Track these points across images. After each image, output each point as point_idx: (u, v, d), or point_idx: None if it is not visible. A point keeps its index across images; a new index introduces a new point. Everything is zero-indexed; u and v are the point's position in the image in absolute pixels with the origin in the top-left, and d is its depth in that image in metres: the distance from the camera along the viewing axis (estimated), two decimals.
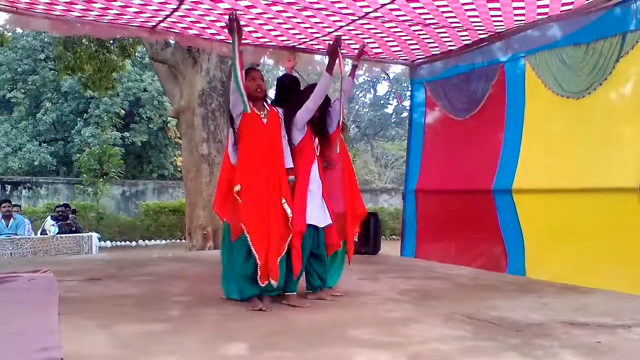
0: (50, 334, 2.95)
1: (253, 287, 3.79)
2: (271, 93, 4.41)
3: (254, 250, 3.67)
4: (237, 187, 3.77)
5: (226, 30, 4.20)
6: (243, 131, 3.90)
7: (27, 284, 4.58)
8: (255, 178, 3.81)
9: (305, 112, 4.05)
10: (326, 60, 6.69)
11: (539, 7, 4.89)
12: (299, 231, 3.83)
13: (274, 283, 3.69)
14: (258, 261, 3.67)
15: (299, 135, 4.10)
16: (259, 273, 3.67)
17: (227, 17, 3.94)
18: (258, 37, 5.82)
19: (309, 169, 4.06)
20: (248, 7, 4.89)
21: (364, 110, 33.84)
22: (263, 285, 3.71)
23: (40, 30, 8.52)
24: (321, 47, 6.15)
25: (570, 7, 4.89)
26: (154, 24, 5.42)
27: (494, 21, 5.28)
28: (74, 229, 10.05)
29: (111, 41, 10.64)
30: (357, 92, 31.95)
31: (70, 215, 10.26)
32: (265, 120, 3.94)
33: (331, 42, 4.27)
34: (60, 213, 10.09)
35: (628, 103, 4.73)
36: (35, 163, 18.77)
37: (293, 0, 4.73)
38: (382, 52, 6.34)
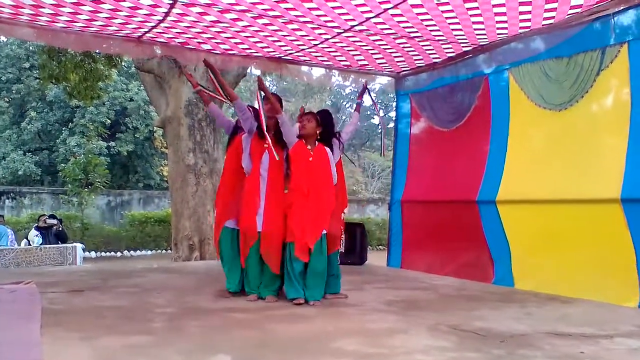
0: (32, 346, 2.92)
1: None
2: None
3: None
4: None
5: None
6: None
7: (9, 296, 4.52)
8: None
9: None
10: (313, 70, 6.83)
11: (521, 20, 4.96)
12: None
13: None
14: None
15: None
16: None
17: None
18: (244, 49, 5.83)
19: None
20: (234, 19, 4.90)
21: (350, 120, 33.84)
22: None
23: (25, 39, 8.45)
24: (307, 58, 6.19)
25: (552, 21, 4.97)
26: (139, 34, 5.41)
27: (477, 34, 5.35)
28: (60, 229, 10.05)
29: (97, 50, 10.59)
30: (344, 103, 32.05)
31: (56, 225, 10.24)
32: None
33: (362, 87, 5.56)
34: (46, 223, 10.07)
35: (609, 115, 4.82)
36: (20, 172, 18.56)
37: (279, 13, 4.76)
38: (367, 64, 6.38)
